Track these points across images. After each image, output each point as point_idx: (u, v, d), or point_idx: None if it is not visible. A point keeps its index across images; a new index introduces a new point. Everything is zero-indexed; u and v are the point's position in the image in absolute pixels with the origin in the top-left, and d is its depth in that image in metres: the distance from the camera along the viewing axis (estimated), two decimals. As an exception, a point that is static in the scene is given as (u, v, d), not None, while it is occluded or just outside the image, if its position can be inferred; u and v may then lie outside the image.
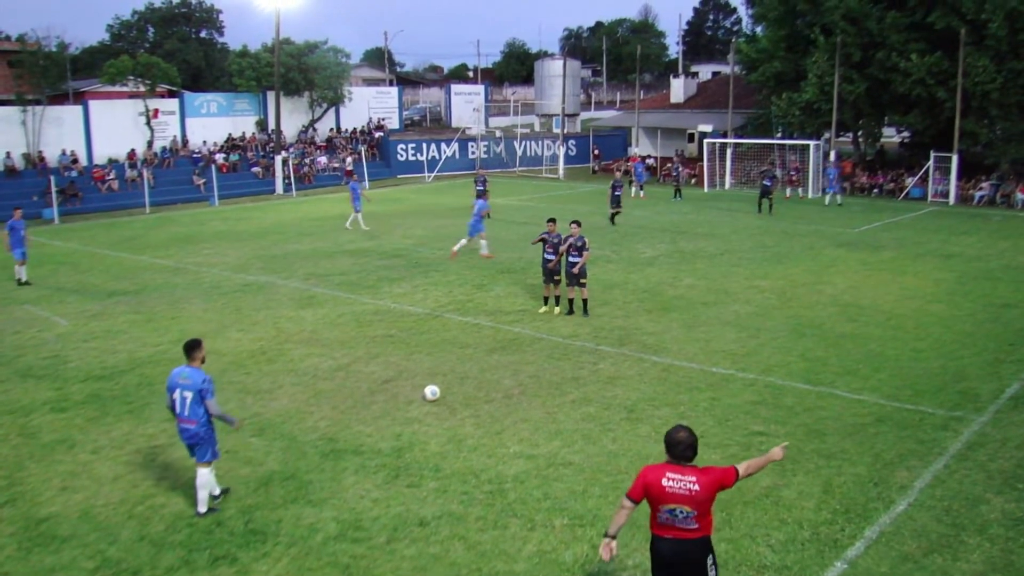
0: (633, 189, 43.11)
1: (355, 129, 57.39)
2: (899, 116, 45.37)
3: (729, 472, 7.14)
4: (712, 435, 12.21)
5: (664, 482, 6.89)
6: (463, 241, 25.27)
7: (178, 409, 9.93)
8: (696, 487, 6.88)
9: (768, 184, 36.52)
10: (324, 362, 15.97)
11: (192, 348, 10.17)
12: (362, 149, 53.26)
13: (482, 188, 34.50)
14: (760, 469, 7.54)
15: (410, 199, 42.69)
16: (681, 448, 6.94)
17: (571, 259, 18.68)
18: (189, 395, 9.88)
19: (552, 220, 19.45)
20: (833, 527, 9.62)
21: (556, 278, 19.16)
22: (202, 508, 10.06)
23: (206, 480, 10.08)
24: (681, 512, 6.92)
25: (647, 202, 40.64)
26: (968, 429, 12.42)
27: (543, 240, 19.16)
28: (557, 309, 19.25)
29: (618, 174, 38.74)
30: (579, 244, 18.61)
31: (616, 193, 33.11)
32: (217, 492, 10.36)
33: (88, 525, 9.86)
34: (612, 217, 33.29)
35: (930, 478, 10.81)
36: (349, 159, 51.76)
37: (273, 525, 9.82)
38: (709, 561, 7.10)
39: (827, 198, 40.01)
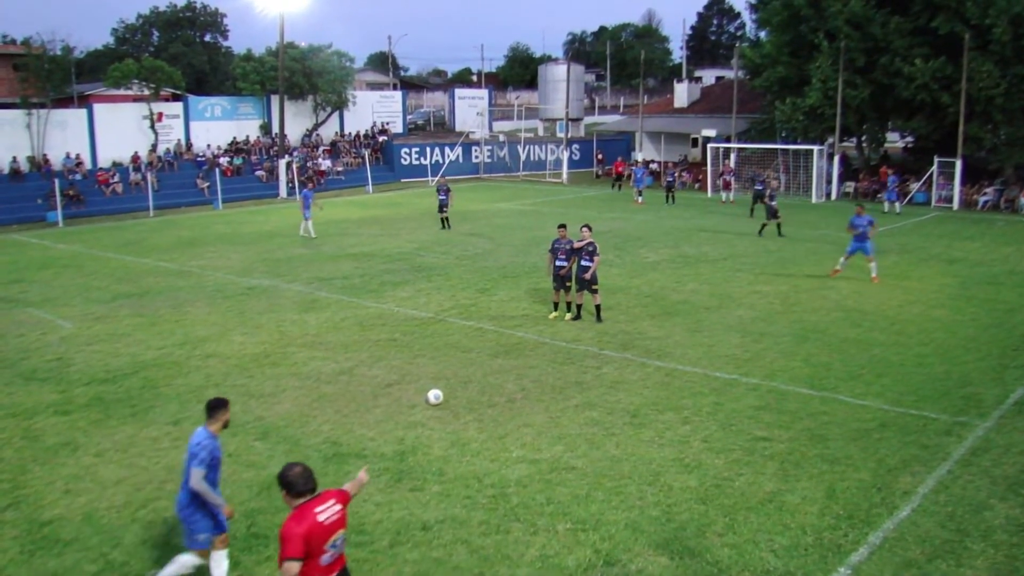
0: (634, 195, 43.10)
1: (359, 133, 57.48)
2: (903, 121, 45.44)
3: (345, 492, 7.05)
4: (716, 440, 12.20)
5: (320, 518, 6.57)
6: None
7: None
8: (339, 506, 6.78)
9: (760, 188, 36.52)
10: (327, 366, 15.98)
11: (211, 408, 8.34)
12: (366, 153, 53.32)
13: (444, 198, 33.46)
14: (357, 491, 7.38)
15: (413, 203, 42.71)
16: (305, 480, 6.65)
17: (583, 263, 18.63)
18: (184, 459, 8.21)
19: (562, 226, 19.41)
20: (837, 532, 9.60)
21: (567, 284, 19.11)
22: None
23: (181, 564, 8.37)
24: (340, 539, 6.76)
25: (648, 207, 40.60)
26: (972, 434, 12.40)
27: (555, 248, 19.06)
28: (568, 316, 19.22)
29: (772, 177, 35.29)
30: (590, 249, 18.58)
31: (771, 203, 30.95)
32: None
33: (91, 528, 9.87)
34: (778, 228, 30.92)
35: (934, 484, 10.79)
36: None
37: (276, 529, 9.77)
38: None
39: (885, 205, 39.59)
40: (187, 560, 8.39)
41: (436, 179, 39.75)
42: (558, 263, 18.95)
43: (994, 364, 15.78)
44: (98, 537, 9.69)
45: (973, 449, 11.88)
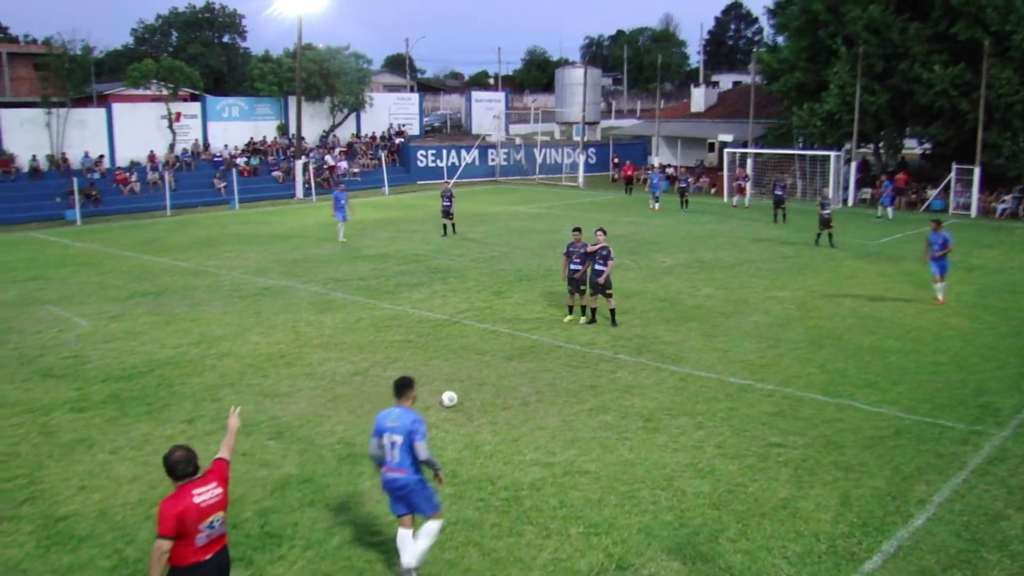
0: (650, 201, 42.08)
1: (375, 135, 57.62)
2: (921, 127, 45.13)
3: (223, 464, 7.30)
4: (730, 445, 12.17)
5: (197, 500, 6.81)
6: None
7: (387, 456, 8.70)
8: (220, 490, 7.05)
9: (780, 193, 36.43)
10: (342, 366, 16.02)
11: (403, 387, 8.83)
12: (382, 155, 53.43)
13: (448, 204, 32.27)
14: (233, 441, 7.70)
15: (429, 205, 42.71)
16: (185, 465, 6.88)
17: (597, 267, 18.61)
18: (399, 439, 8.63)
19: (577, 229, 19.39)
20: (850, 540, 9.56)
21: (582, 287, 19.09)
22: (413, 562, 8.75)
23: (433, 532, 8.90)
24: (218, 520, 7.01)
25: (664, 212, 40.43)
26: (988, 443, 12.32)
27: (570, 251, 19.04)
28: (583, 319, 19.19)
29: (827, 191, 33.50)
30: (604, 253, 18.56)
31: (825, 213, 30.02)
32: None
33: (106, 524, 9.93)
34: (829, 238, 30.11)
35: (949, 492, 10.72)
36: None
37: (289, 528, 9.86)
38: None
39: (879, 210, 39.49)
40: (435, 526, 8.92)
41: (449, 183, 38.72)
42: (573, 267, 18.93)
43: (1012, 373, 15.67)
44: (112, 533, 9.75)
45: (989, 458, 11.80)
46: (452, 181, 35.65)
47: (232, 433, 7.70)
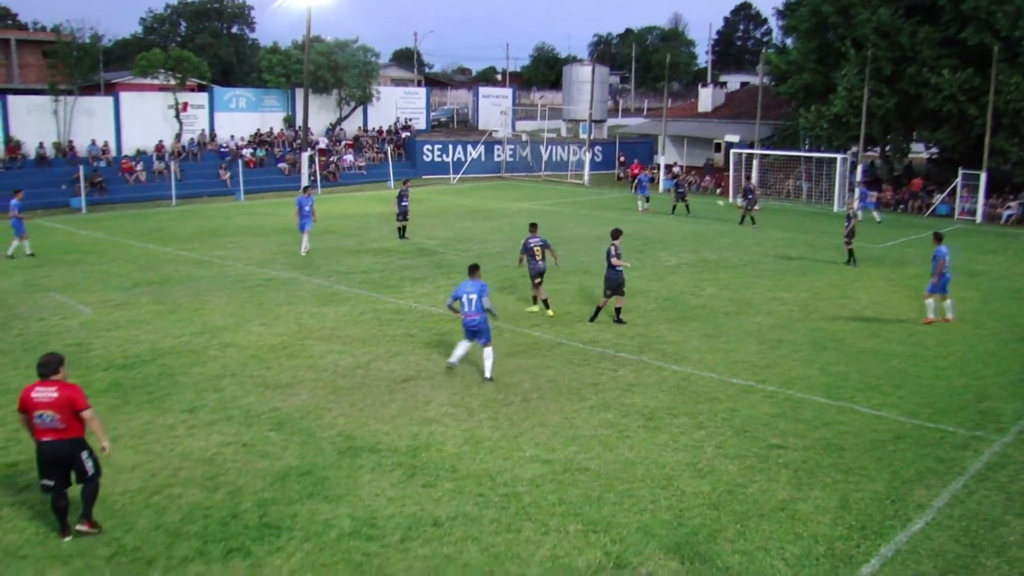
0: (639, 203, 40.83)
1: (382, 128, 57.62)
2: (928, 132, 45.07)
3: (81, 401, 9.27)
4: (730, 446, 12.17)
5: (33, 394, 9.21)
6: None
7: (465, 308, 14.64)
8: (55, 395, 9.16)
9: (750, 197, 36.05)
10: (344, 359, 16.04)
11: (474, 269, 15.20)
12: (388, 148, 53.43)
13: (406, 204, 30.33)
14: (101, 432, 9.58)
15: (435, 200, 42.79)
16: (43, 368, 9.33)
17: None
18: (474, 296, 14.57)
19: (534, 225, 20.58)
20: (848, 543, 9.55)
21: (538, 280, 19.65)
22: (489, 374, 14.78)
23: (491, 355, 14.86)
24: (48, 415, 9.16)
25: (662, 214, 40.21)
26: (989, 449, 12.31)
27: (527, 247, 19.79)
28: (550, 312, 19.56)
29: (854, 205, 30.08)
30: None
31: (848, 224, 26.96)
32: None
33: (105, 512, 9.94)
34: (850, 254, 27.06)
35: (948, 497, 10.72)
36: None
37: (288, 519, 9.87)
38: (84, 455, 9.40)
39: (860, 214, 39.30)
40: (491, 350, 14.93)
41: (406, 181, 33.12)
42: (530, 259, 19.71)
43: (1014, 379, 15.65)
44: (112, 521, 9.77)
45: (990, 464, 11.79)
46: (410, 180, 33.73)
47: (103, 430, 9.71)
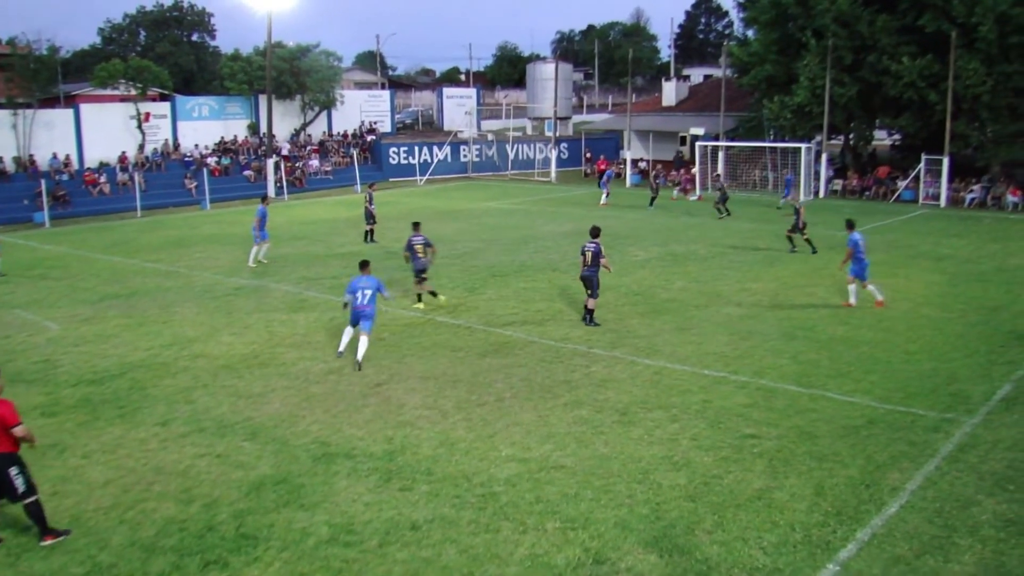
0: (602, 197, 41.85)
1: (347, 132, 57.36)
2: (890, 119, 45.54)
3: (11, 417, 9.23)
4: (705, 438, 12.22)
5: None
6: None
7: (359, 301, 15.78)
8: None
9: (720, 188, 36.72)
10: (316, 365, 15.95)
11: (365, 265, 16.70)
12: (354, 152, 53.19)
13: (372, 208, 30.68)
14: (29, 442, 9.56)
15: (402, 202, 42.65)
16: None
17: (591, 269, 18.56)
18: (369, 291, 15.84)
19: (416, 224, 21.05)
20: (825, 529, 9.63)
21: (423, 276, 20.20)
22: (360, 357, 15.66)
23: (367, 343, 15.83)
24: None
25: (640, 207, 40.46)
26: (959, 431, 12.45)
27: (410, 245, 20.23)
28: (441, 299, 20.42)
29: (799, 198, 30.26)
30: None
31: (796, 216, 27.13)
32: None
33: (79, 530, 9.81)
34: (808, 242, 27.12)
35: (922, 480, 10.83)
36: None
37: (265, 529, 9.79)
38: (13, 472, 9.31)
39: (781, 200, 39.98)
40: (367, 339, 15.80)
41: (371, 185, 34.06)
42: (415, 257, 20.22)
43: (982, 361, 15.85)
44: (86, 539, 9.64)
45: (960, 445, 11.93)
46: (375, 183, 33.50)
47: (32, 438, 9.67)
